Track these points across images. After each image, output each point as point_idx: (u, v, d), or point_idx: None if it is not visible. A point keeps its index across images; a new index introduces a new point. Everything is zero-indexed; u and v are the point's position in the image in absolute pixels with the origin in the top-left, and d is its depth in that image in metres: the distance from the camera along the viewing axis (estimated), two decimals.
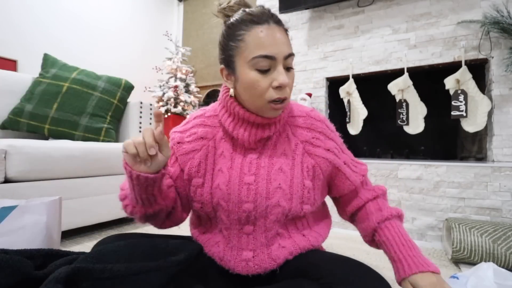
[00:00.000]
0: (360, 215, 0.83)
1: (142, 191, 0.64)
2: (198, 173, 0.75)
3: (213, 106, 0.83)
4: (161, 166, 0.63)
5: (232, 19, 0.69)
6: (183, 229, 1.53)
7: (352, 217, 0.88)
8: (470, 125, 1.76)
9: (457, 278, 0.77)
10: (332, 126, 0.82)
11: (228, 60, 0.70)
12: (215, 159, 0.76)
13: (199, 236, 0.81)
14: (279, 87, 0.66)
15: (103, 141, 1.90)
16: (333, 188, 0.83)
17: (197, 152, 0.77)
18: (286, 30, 0.70)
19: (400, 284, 0.69)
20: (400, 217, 0.80)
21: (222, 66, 0.74)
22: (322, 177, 0.77)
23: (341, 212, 0.90)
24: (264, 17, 0.66)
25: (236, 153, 0.75)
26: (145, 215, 0.70)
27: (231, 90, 0.73)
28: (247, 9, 0.68)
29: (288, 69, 0.68)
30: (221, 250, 0.74)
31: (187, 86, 3.27)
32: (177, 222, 0.81)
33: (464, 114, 1.75)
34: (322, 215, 0.87)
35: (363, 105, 2.14)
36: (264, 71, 0.65)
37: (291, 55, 0.67)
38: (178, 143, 0.78)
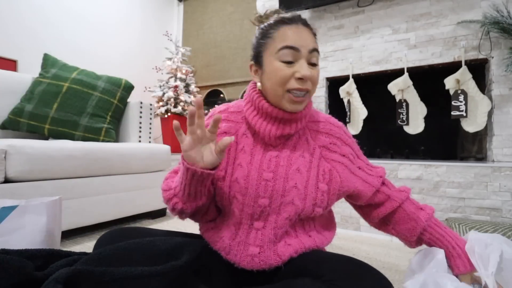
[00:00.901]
0: (398, 216, 0.85)
1: (198, 185, 0.68)
2: (219, 166, 0.77)
3: (237, 102, 0.87)
4: (217, 164, 0.68)
5: (264, 23, 0.77)
6: (186, 224, 1.52)
7: (384, 220, 0.88)
8: (470, 125, 1.76)
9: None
10: (349, 133, 0.86)
11: (257, 56, 0.77)
12: (236, 154, 0.79)
13: (207, 231, 0.83)
14: (301, 79, 0.70)
15: (103, 141, 1.90)
16: (356, 195, 0.84)
17: None
18: (314, 33, 0.76)
19: (458, 276, 0.75)
20: (434, 211, 0.86)
21: (251, 62, 0.79)
22: (340, 180, 0.79)
23: (370, 217, 0.91)
24: (293, 19, 0.73)
25: (256, 149, 0.78)
26: (195, 209, 0.74)
27: (258, 84, 0.77)
28: (277, 14, 0.77)
29: (313, 64, 0.73)
30: (227, 245, 0.75)
31: (187, 86, 3.27)
32: (213, 217, 0.83)
33: (464, 114, 1.75)
34: (328, 220, 0.88)
35: (363, 105, 2.14)
36: (288, 62, 0.70)
37: (315, 50, 0.72)
38: None
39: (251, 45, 0.81)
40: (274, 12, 0.79)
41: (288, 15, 0.74)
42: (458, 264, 0.74)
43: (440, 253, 0.75)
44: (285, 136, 0.78)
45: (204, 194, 0.72)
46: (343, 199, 0.89)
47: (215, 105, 3.57)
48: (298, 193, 0.73)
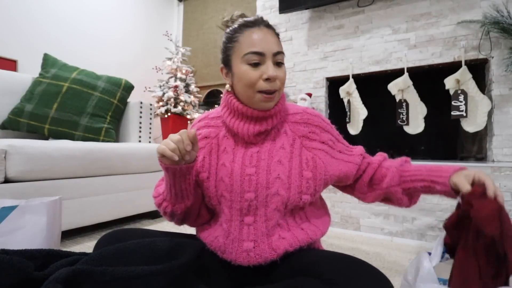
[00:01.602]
0: (379, 174, 0.87)
1: (181, 182, 0.74)
2: (203, 168, 0.82)
3: (217, 109, 0.91)
4: (193, 159, 0.74)
5: (229, 28, 0.81)
6: (186, 225, 1.52)
7: (371, 186, 0.90)
8: (470, 125, 1.76)
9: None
10: (327, 120, 0.89)
11: (226, 59, 0.81)
12: (219, 155, 0.83)
13: (202, 232, 0.85)
14: (268, 79, 0.74)
15: (103, 141, 1.90)
16: (343, 176, 0.86)
17: (201, 150, 0.84)
18: (277, 34, 0.81)
19: (449, 185, 0.73)
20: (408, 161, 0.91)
21: (222, 65, 0.84)
22: (323, 166, 0.80)
23: (359, 189, 0.92)
24: (256, 22, 0.78)
25: (237, 148, 0.82)
26: (184, 211, 0.78)
27: (227, 85, 0.83)
28: (241, 18, 0.82)
29: (279, 64, 0.77)
30: (222, 243, 0.77)
31: (187, 86, 3.27)
32: (207, 219, 0.87)
33: (464, 114, 1.75)
34: (321, 210, 0.89)
35: (363, 105, 2.14)
36: (254, 65, 0.75)
37: (279, 52, 0.77)
38: None
39: (220, 49, 0.85)
40: (239, 16, 0.83)
41: (251, 18, 0.79)
42: (440, 177, 0.75)
43: (425, 259, 0.74)
44: (264, 132, 0.81)
45: (191, 192, 0.77)
46: (332, 187, 0.92)
47: (215, 105, 3.58)
48: (282, 183, 0.75)
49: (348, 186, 0.94)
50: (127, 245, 0.67)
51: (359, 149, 0.91)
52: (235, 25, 0.79)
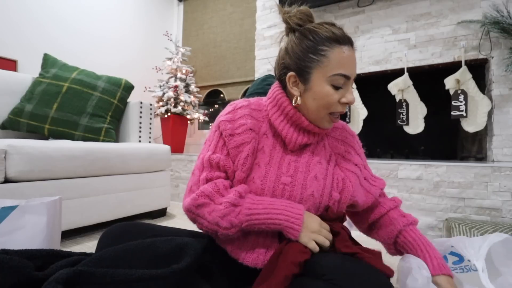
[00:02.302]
0: (382, 221, 0.87)
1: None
2: (243, 167, 0.76)
3: (257, 100, 0.84)
4: None
5: (311, 31, 0.73)
6: (187, 223, 1.50)
7: (371, 225, 0.90)
8: (470, 125, 1.76)
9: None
10: (360, 143, 0.89)
11: (303, 70, 0.73)
12: (256, 153, 0.79)
13: None
14: (346, 104, 0.73)
15: (103, 141, 1.90)
16: (360, 202, 0.85)
17: (247, 144, 0.77)
18: None
19: (434, 277, 0.73)
20: (416, 223, 0.86)
21: (292, 73, 0.75)
22: (351, 190, 0.79)
23: (360, 222, 0.93)
24: (346, 39, 0.72)
25: (275, 151, 0.78)
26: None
27: (298, 98, 0.75)
28: (325, 25, 0.73)
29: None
30: (236, 241, 0.75)
31: (187, 86, 3.26)
32: None
33: (464, 114, 1.75)
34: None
35: (363, 105, 2.14)
36: (337, 87, 0.71)
37: (356, 75, 0.75)
38: (230, 135, 0.77)
39: (289, 51, 0.76)
40: (304, 13, 0.75)
41: (337, 31, 0.72)
42: (434, 263, 0.74)
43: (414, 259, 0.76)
44: (308, 144, 0.80)
45: None
46: None
47: (215, 105, 3.58)
48: (314, 202, 0.74)
49: (351, 212, 0.93)
50: (127, 247, 0.67)
51: (382, 182, 0.90)
52: (320, 33, 0.72)
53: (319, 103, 0.72)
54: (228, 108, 0.81)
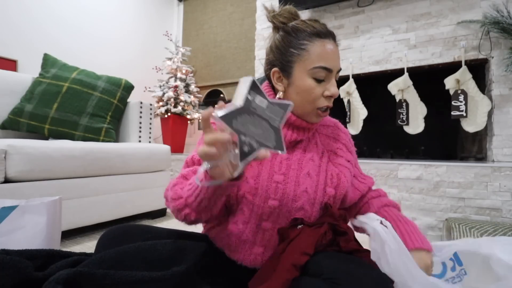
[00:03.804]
0: (363, 210, 0.89)
1: (217, 198, 0.64)
2: (245, 173, 0.74)
3: None
4: (241, 175, 0.61)
5: (293, 27, 0.74)
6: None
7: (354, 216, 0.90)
8: (470, 125, 1.76)
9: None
10: (352, 141, 0.89)
11: (285, 65, 0.74)
12: None
13: (212, 229, 0.83)
14: (330, 97, 0.73)
15: (103, 141, 1.90)
16: (348, 198, 0.86)
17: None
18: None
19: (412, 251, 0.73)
20: (397, 208, 0.87)
21: (276, 69, 0.76)
22: (346, 185, 0.79)
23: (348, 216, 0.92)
24: (327, 33, 0.72)
25: None
26: (208, 219, 0.70)
27: (281, 93, 0.77)
28: (308, 21, 0.74)
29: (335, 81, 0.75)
30: (233, 242, 0.75)
31: (187, 86, 3.26)
32: (221, 217, 0.81)
33: (464, 114, 1.75)
34: None
35: (363, 105, 2.14)
36: (319, 81, 0.71)
37: (340, 69, 0.75)
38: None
39: (273, 48, 0.77)
40: (291, 14, 0.77)
41: (318, 25, 0.73)
42: (411, 237, 0.74)
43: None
44: (298, 141, 0.79)
45: (222, 203, 0.69)
46: None
47: (215, 105, 3.58)
48: (308, 198, 0.74)
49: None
50: (128, 249, 0.66)
51: (370, 181, 0.91)
52: (301, 28, 0.73)
53: (302, 97, 0.73)
54: None
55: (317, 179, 0.76)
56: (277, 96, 0.77)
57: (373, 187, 0.94)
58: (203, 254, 0.75)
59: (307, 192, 0.74)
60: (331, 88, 0.72)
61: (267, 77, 0.81)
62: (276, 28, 0.79)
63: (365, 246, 0.71)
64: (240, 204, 0.75)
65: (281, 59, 0.75)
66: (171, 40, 3.44)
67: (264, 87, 0.82)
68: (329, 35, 0.72)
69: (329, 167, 0.79)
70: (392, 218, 0.79)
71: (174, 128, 3.12)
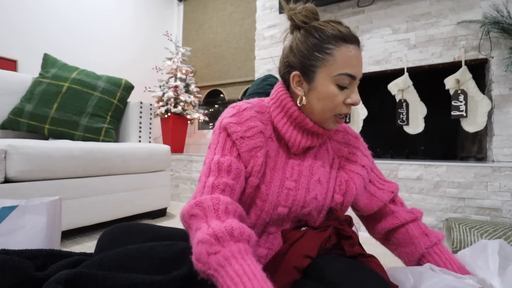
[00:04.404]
0: (400, 237, 0.82)
1: None
2: (258, 173, 0.71)
3: (258, 102, 0.80)
4: None
5: (316, 28, 0.70)
6: None
7: (387, 237, 0.87)
8: (470, 125, 1.75)
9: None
10: (365, 144, 0.86)
11: (308, 69, 0.70)
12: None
13: None
14: (351, 105, 0.70)
15: (103, 141, 1.90)
16: (361, 205, 0.83)
17: (259, 149, 0.72)
18: None
19: None
20: (442, 239, 0.80)
21: (296, 72, 0.72)
22: (355, 193, 0.77)
23: (372, 230, 0.89)
24: (353, 38, 0.69)
25: (279, 155, 0.76)
26: None
27: (303, 99, 0.72)
28: (332, 23, 0.70)
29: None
30: None
31: (187, 86, 3.26)
32: None
33: (464, 114, 1.75)
34: None
35: (363, 105, 2.14)
36: (342, 88, 0.68)
37: (362, 76, 0.72)
38: (241, 138, 0.71)
39: (293, 49, 0.73)
40: (310, 11, 0.73)
41: (344, 29, 0.69)
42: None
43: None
44: (311, 147, 0.78)
45: None
46: None
47: (215, 105, 3.58)
48: (317, 204, 0.73)
49: (360, 215, 0.90)
50: (128, 251, 0.66)
51: (393, 186, 0.85)
52: (326, 31, 0.69)
53: (324, 103, 0.69)
54: (231, 110, 0.75)
55: (327, 186, 0.75)
56: (297, 101, 0.73)
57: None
58: None
59: (317, 199, 0.73)
60: (354, 96, 0.69)
61: (283, 79, 0.78)
62: (296, 27, 0.75)
63: (370, 251, 0.71)
64: (248, 208, 0.74)
65: (303, 62, 0.70)
66: (171, 40, 3.44)
67: (278, 89, 0.77)
68: (354, 40, 0.69)
69: (339, 173, 0.78)
70: (445, 266, 0.72)
71: (174, 128, 3.11)
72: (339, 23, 0.71)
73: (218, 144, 0.72)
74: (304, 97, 0.72)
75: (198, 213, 0.60)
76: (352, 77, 0.68)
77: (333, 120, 0.72)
